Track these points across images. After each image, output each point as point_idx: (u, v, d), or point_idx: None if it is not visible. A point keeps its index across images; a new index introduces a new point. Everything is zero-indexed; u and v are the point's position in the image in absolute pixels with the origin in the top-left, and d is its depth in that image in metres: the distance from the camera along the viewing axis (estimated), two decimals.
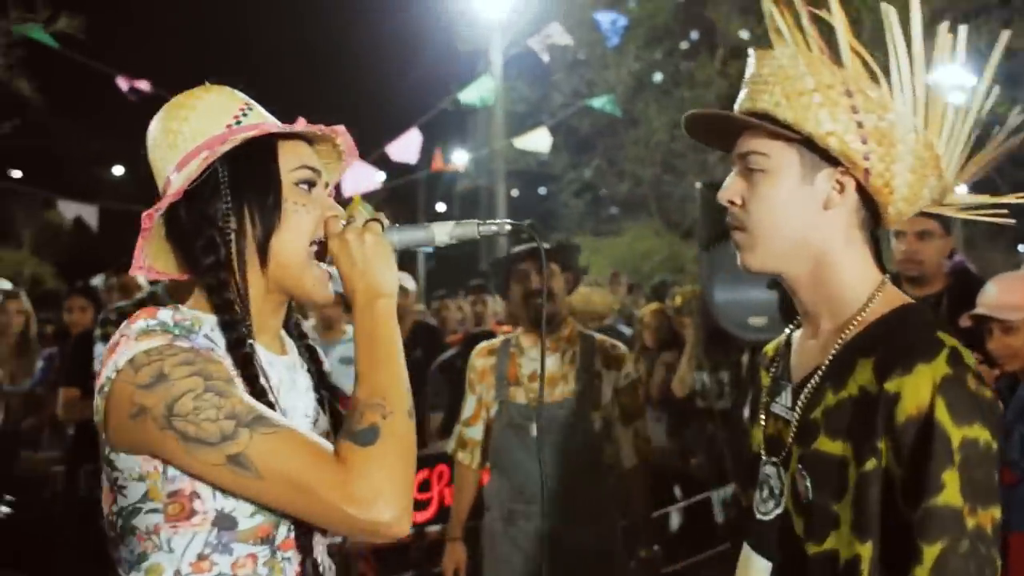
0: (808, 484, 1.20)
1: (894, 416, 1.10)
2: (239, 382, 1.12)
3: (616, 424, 2.88)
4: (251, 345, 1.16)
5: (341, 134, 1.27)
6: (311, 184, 1.22)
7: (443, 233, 1.26)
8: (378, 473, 1.04)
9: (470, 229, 1.26)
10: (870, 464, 1.12)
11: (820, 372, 1.23)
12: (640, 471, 2.91)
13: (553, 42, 7.31)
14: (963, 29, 1.24)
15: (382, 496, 1.03)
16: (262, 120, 1.23)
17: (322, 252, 1.23)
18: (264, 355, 1.22)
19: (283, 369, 1.26)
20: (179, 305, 1.19)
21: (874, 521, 1.12)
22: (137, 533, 1.10)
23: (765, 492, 1.31)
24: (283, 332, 1.32)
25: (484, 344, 3.07)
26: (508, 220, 1.28)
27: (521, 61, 9.47)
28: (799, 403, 1.25)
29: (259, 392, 1.13)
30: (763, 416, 1.37)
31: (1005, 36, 1.25)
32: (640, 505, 2.95)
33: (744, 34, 11.96)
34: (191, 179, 1.15)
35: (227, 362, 1.13)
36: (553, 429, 2.80)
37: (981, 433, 1.08)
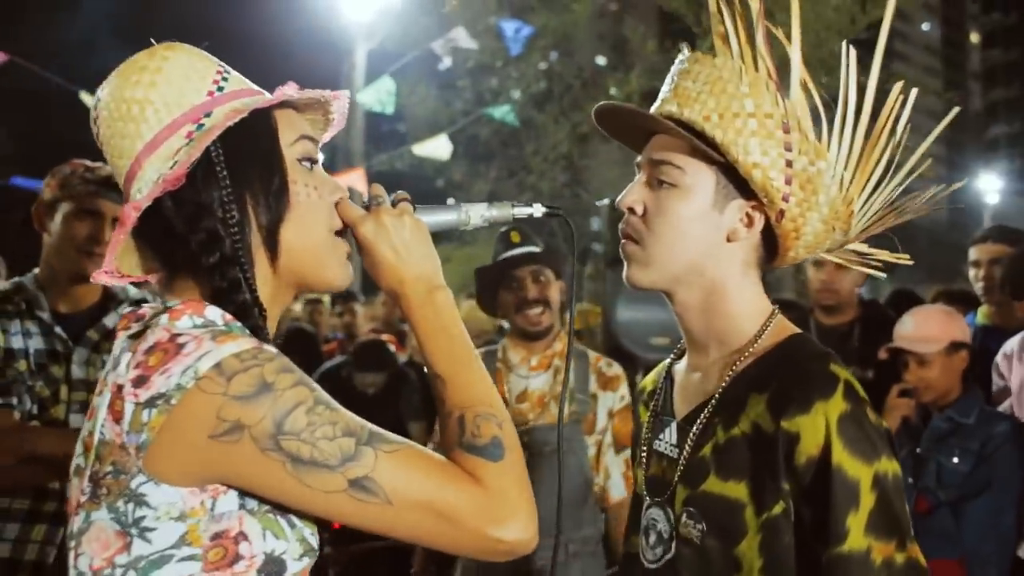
0: (701, 527, 1.14)
1: (794, 456, 1.06)
2: None
3: (607, 451, 2.60)
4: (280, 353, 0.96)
5: (340, 98, 1.11)
6: (312, 160, 1.05)
7: (477, 216, 1.15)
8: (514, 489, 0.95)
9: (505, 212, 1.16)
10: (777, 508, 1.08)
11: (710, 407, 1.17)
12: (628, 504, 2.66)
13: (457, 46, 7.16)
14: (914, 92, 1.19)
15: (523, 513, 0.94)
16: (243, 85, 1.04)
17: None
18: None
19: None
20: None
21: (789, 564, 1.08)
22: None
23: (652, 537, 1.23)
24: None
25: None
26: (543, 203, 1.19)
27: (422, 65, 9.25)
28: (688, 440, 1.18)
29: None
30: (644, 455, 1.30)
31: (953, 112, 1.23)
32: None
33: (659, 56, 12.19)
34: (188, 162, 0.94)
35: None
36: (542, 454, 2.46)
37: (890, 465, 1.06)
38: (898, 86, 1.14)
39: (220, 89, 1.01)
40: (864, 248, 1.28)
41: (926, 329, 2.58)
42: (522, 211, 1.16)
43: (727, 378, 1.17)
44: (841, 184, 1.15)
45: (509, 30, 7.81)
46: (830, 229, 1.17)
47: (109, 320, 2.21)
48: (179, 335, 0.91)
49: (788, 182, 1.12)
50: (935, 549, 2.38)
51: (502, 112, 7.81)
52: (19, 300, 2.14)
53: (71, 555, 0.93)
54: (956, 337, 2.57)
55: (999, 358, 2.78)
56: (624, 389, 2.67)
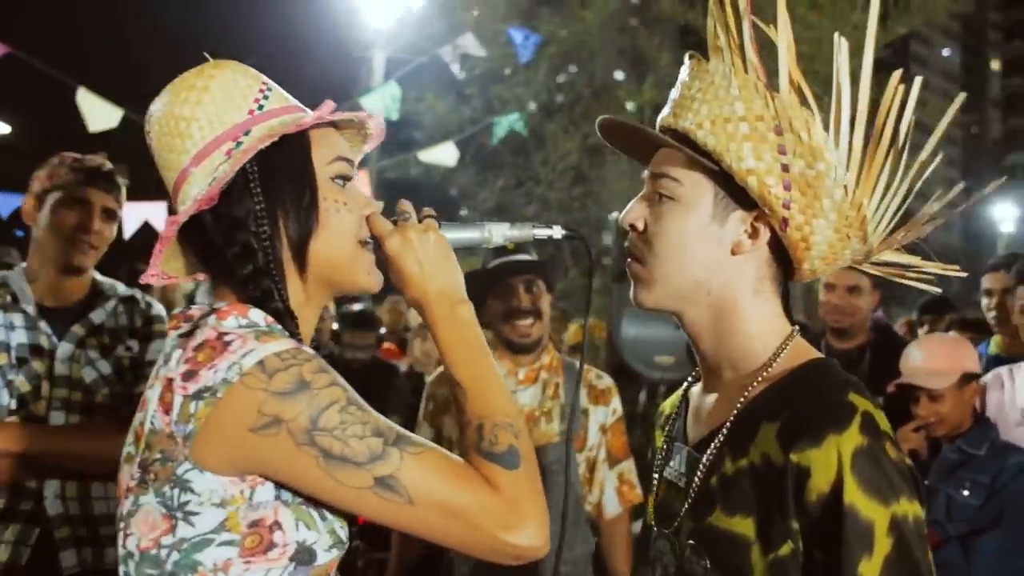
0: (705, 564, 1.06)
1: (804, 493, 0.98)
2: None
3: (600, 467, 2.50)
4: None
5: (374, 117, 1.20)
6: (346, 178, 1.13)
7: (499, 234, 1.19)
8: (528, 496, 1.01)
9: (525, 232, 1.20)
10: (785, 549, 1.00)
11: (721, 436, 1.10)
12: (624, 521, 2.54)
13: (465, 52, 7.14)
14: (918, 80, 1.10)
15: (536, 520, 1.01)
16: (285, 103, 1.12)
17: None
18: None
19: None
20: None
21: None
22: (200, 570, 0.96)
23: (659, 570, 1.17)
24: None
25: (440, 371, 2.63)
26: (563, 226, 1.23)
27: (430, 71, 9.24)
28: (699, 469, 1.11)
29: None
30: (655, 482, 1.24)
31: (960, 97, 1.16)
32: (624, 562, 2.54)
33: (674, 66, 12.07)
34: (224, 180, 1.03)
35: None
36: None
37: (910, 507, 0.98)
38: (896, 76, 1.07)
39: (260, 108, 1.08)
40: (907, 259, 1.20)
41: (936, 362, 2.49)
42: (543, 232, 1.19)
43: (739, 404, 1.10)
44: (846, 187, 1.07)
45: (518, 37, 7.76)
46: (844, 237, 1.09)
47: (96, 316, 2.16)
48: (226, 334, 0.99)
49: (787, 188, 1.05)
50: None
51: (511, 121, 7.76)
52: (4, 293, 2.10)
53: (120, 535, 1.01)
54: (967, 368, 2.50)
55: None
56: (616, 402, 2.57)
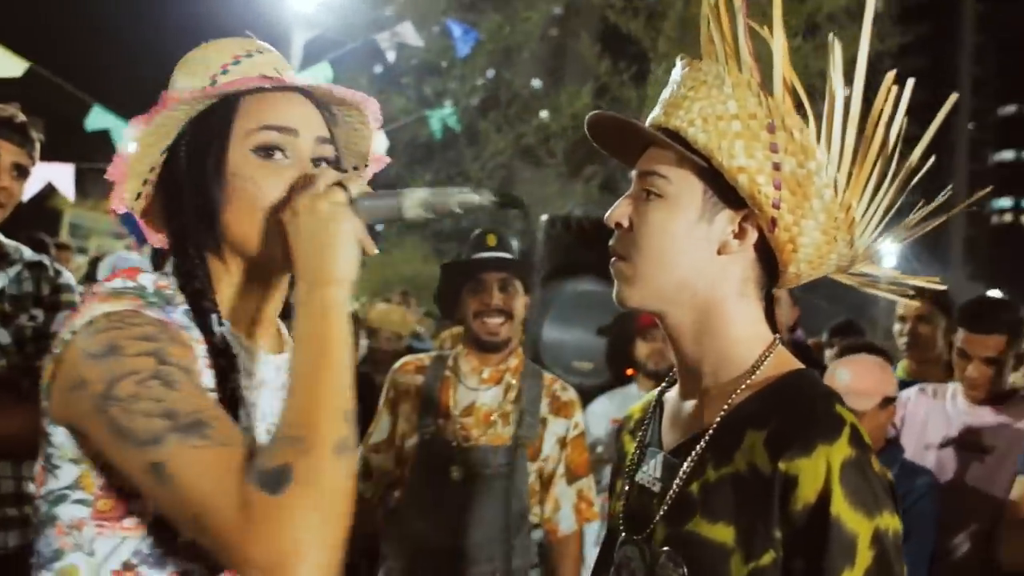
0: (682, 571, 1.05)
1: (790, 502, 0.99)
2: (208, 374, 1.00)
3: (559, 481, 2.44)
4: (223, 332, 1.03)
5: (358, 99, 1.12)
6: (274, 148, 1.06)
7: (414, 204, 1.01)
8: (286, 530, 0.82)
9: (447, 199, 1.00)
10: (767, 558, 1.00)
11: (704, 442, 1.09)
12: (577, 539, 2.50)
13: (401, 41, 6.99)
14: (911, 82, 1.10)
15: (289, 560, 0.82)
16: (250, 72, 1.09)
17: None
18: (247, 346, 1.10)
19: (272, 368, 1.13)
20: (168, 273, 1.07)
21: None
22: (57, 525, 0.97)
23: (624, 575, 1.16)
24: (284, 330, 1.20)
25: (411, 359, 2.56)
26: (494, 191, 1.02)
27: (365, 57, 9.04)
28: (679, 475, 1.10)
29: (229, 389, 1.01)
30: (626, 487, 1.22)
31: (953, 98, 1.14)
32: None
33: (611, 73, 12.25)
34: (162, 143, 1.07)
35: (199, 348, 1.01)
36: (480, 476, 2.31)
37: (891, 521, 1.00)
38: (889, 76, 1.07)
39: (225, 72, 1.08)
40: (886, 271, 1.19)
41: (862, 383, 2.51)
42: (468, 199, 1.00)
43: (723, 411, 1.09)
44: (836, 187, 1.07)
45: (457, 31, 7.63)
46: (831, 239, 1.09)
47: None
48: (91, 294, 0.99)
49: (777, 187, 1.05)
50: None
51: (444, 115, 7.65)
52: None
53: None
54: (888, 392, 2.54)
55: None
56: (579, 416, 2.52)
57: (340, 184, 1.01)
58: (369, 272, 13.01)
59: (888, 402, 2.52)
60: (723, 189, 1.08)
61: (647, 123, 1.15)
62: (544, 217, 4.74)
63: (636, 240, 1.12)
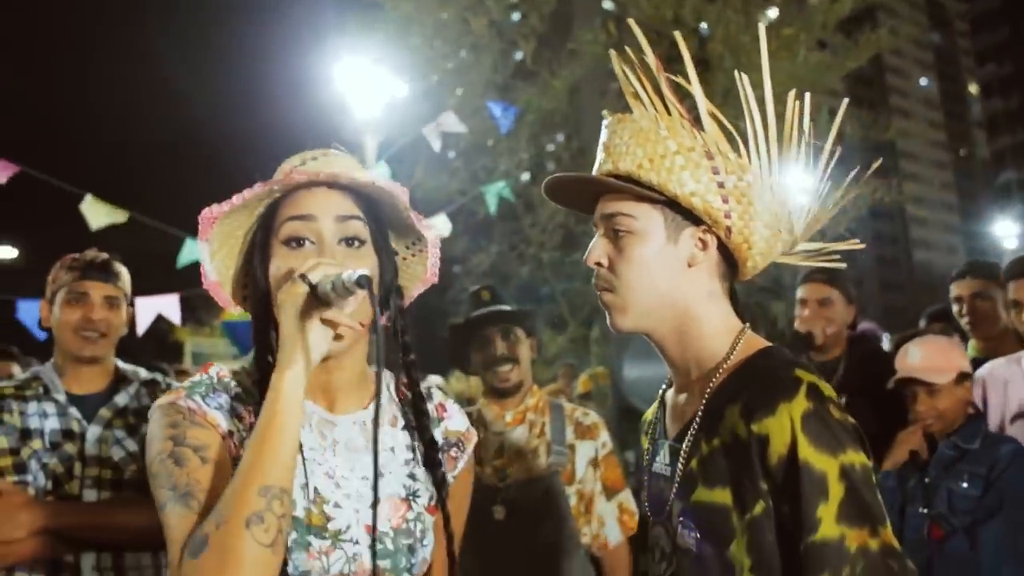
0: (696, 535, 1.20)
1: (767, 457, 1.12)
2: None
3: (598, 499, 2.61)
4: (256, 401, 1.16)
5: (373, 183, 1.17)
6: (297, 238, 1.17)
7: (348, 278, 1.04)
8: None
9: (337, 277, 1.05)
10: (758, 508, 1.14)
11: (695, 425, 1.24)
12: (626, 549, 2.63)
13: (446, 130, 7.43)
14: (807, 96, 1.31)
15: None
16: (288, 170, 1.23)
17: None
18: (315, 411, 1.22)
19: (348, 426, 1.24)
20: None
21: (775, 562, 1.13)
22: None
23: (657, 554, 1.30)
24: (394, 396, 1.31)
25: None
26: (354, 273, 1.04)
27: (418, 150, 9.57)
28: (680, 457, 1.25)
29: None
30: (646, 479, 1.38)
31: (844, 104, 1.35)
32: None
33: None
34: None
35: (223, 421, 1.16)
36: (523, 509, 2.47)
37: (856, 457, 1.11)
38: (792, 94, 1.27)
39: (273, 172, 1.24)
40: (816, 245, 1.37)
41: (936, 360, 2.58)
42: (348, 275, 1.04)
43: (706, 395, 1.25)
44: (771, 189, 1.26)
45: (497, 110, 8.07)
46: (776, 232, 1.27)
47: (120, 399, 2.32)
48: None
49: (725, 200, 1.23)
50: (954, 574, 2.39)
51: (499, 188, 8.01)
52: (37, 386, 2.27)
53: None
54: (963, 368, 2.58)
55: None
56: (604, 436, 2.69)
57: (302, 276, 1.07)
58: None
59: (964, 377, 2.56)
60: (680, 212, 1.26)
61: (596, 171, 1.33)
62: None
63: (618, 273, 1.28)
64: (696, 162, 1.23)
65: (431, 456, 1.28)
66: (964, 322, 3.29)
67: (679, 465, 1.26)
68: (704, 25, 9.79)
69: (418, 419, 1.29)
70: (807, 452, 1.10)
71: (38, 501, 2.11)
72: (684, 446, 1.25)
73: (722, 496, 1.17)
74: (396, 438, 1.29)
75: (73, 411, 2.25)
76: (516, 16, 12.24)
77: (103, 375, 2.35)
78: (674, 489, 1.26)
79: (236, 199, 1.16)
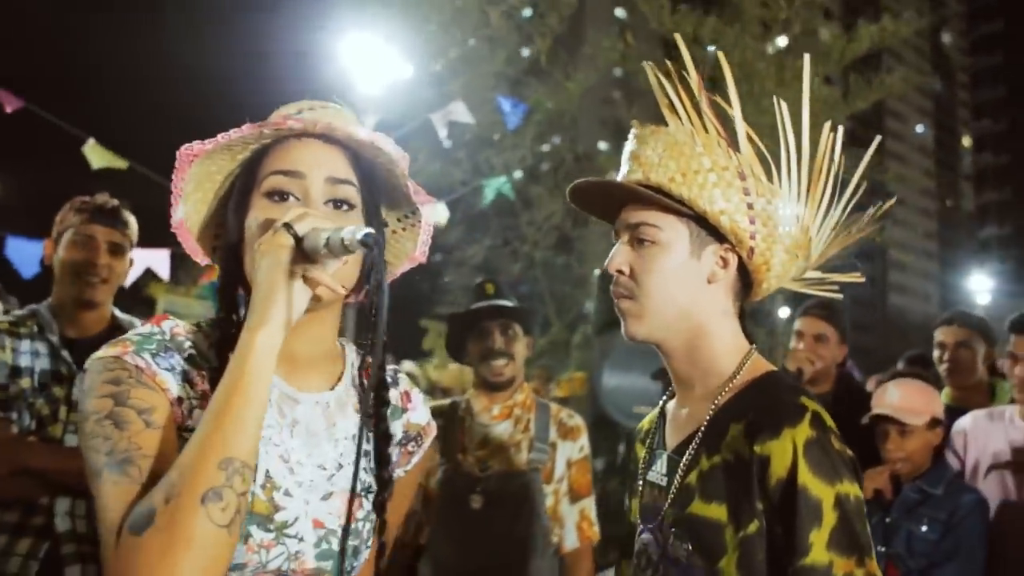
0: (688, 547, 1.21)
1: (767, 478, 1.15)
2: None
3: (563, 500, 2.62)
4: (212, 366, 1.05)
5: (375, 140, 1.06)
6: (281, 194, 1.06)
7: (348, 234, 0.95)
8: (140, 569, 0.86)
9: (338, 233, 0.96)
10: (752, 527, 1.16)
11: (697, 439, 1.26)
12: (583, 556, 2.65)
13: (454, 119, 7.44)
14: (841, 128, 1.34)
15: None
16: (283, 114, 1.14)
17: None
18: (276, 384, 1.08)
19: (310, 406, 1.12)
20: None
21: None
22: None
23: (643, 561, 1.31)
24: (354, 373, 1.19)
25: (432, 406, 2.75)
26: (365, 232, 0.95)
27: (421, 135, 9.56)
28: (679, 469, 1.27)
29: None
30: (640, 486, 1.39)
31: (840, 129, 1.36)
32: None
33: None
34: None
35: (173, 385, 1.02)
36: (499, 501, 2.50)
37: (851, 488, 1.15)
38: (827, 126, 1.31)
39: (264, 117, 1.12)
40: (817, 274, 1.40)
41: (913, 401, 2.62)
42: (348, 233, 0.95)
43: (710, 411, 1.27)
44: (797, 216, 1.29)
45: (506, 106, 8.10)
46: (794, 257, 1.30)
47: None
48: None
49: (752, 221, 1.26)
50: None
51: (499, 183, 8.03)
52: (32, 324, 2.25)
53: None
54: (937, 413, 2.63)
55: (953, 435, 2.86)
56: (584, 440, 2.71)
57: (287, 225, 0.97)
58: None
59: (936, 423, 2.61)
60: (706, 229, 1.28)
61: (622, 179, 1.33)
62: (596, 272, 4.94)
63: (639, 282, 1.29)
64: (728, 181, 1.25)
65: (382, 452, 1.16)
66: (943, 368, 3.35)
67: (677, 477, 1.27)
68: (712, 47, 9.91)
69: (376, 408, 1.17)
70: (806, 477, 1.13)
71: (22, 440, 2.10)
72: (684, 459, 1.27)
73: (718, 512, 1.19)
74: (357, 426, 1.16)
75: (65, 354, 2.23)
76: (529, 12, 12.27)
77: (99, 321, 2.34)
78: (669, 499, 1.27)
79: (221, 137, 1.06)
